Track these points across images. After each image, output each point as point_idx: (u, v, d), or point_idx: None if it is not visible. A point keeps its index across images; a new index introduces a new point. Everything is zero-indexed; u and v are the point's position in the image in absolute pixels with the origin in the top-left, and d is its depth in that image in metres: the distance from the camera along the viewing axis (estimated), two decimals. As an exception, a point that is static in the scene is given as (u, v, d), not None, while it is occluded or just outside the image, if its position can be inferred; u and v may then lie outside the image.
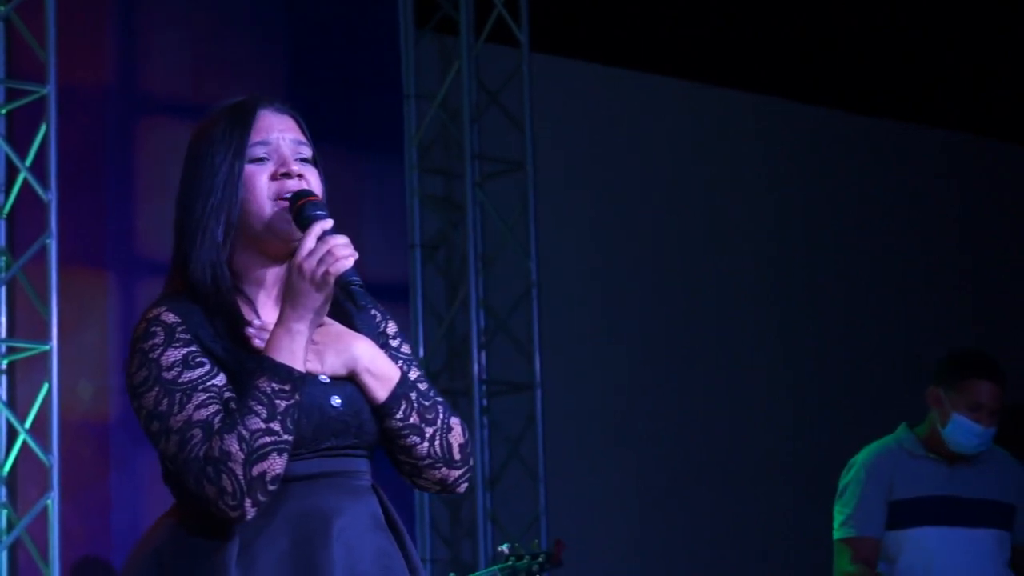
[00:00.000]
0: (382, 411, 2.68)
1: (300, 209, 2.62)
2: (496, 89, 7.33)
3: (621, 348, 7.75)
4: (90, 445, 5.97)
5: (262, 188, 2.67)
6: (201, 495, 2.52)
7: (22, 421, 5.68)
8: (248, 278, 2.71)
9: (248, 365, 2.59)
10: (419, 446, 2.70)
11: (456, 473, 2.74)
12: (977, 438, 5.10)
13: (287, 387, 2.54)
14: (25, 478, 5.78)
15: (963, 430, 5.09)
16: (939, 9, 7.94)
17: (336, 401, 2.64)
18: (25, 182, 5.75)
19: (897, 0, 7.96)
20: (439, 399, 2.75)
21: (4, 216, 5.87)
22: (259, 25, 6.59)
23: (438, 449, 2.71)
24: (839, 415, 8.16)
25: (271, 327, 2.63)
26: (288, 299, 2.59)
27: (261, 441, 2.51)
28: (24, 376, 5.82)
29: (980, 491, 5.15)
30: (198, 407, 2.55)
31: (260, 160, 2.68)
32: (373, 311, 2.80)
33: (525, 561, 5.00)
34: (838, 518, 5.17)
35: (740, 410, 8.05)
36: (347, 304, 2.71)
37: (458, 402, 7.17)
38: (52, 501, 5.57)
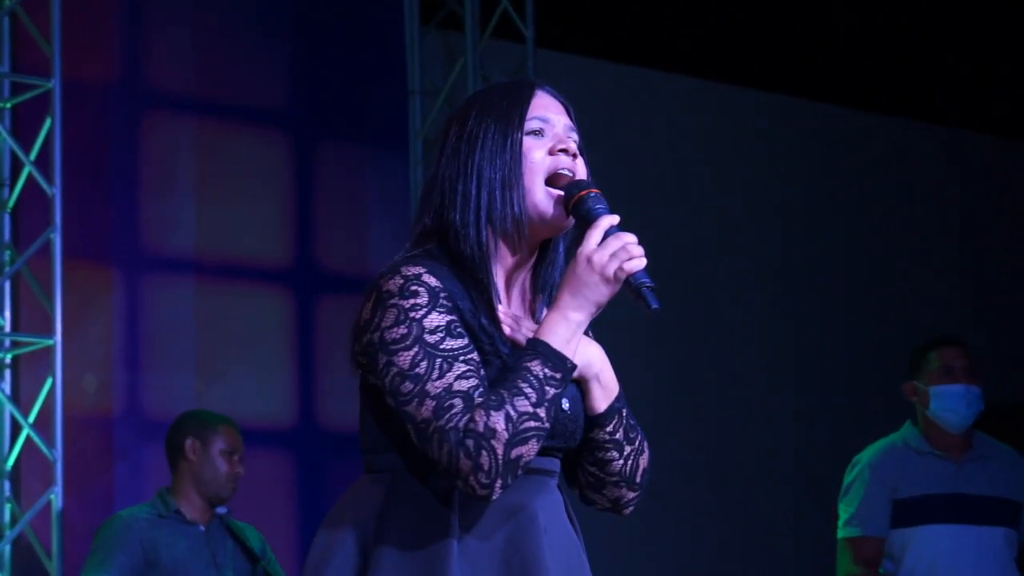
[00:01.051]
0: (596, 421, 2.65)
1: (581, 200, 2.56)
2: (501, 85, 7.32)
3: (623, 348, 7.72)
4: (94, 439, 5.98)
5: (538, 163, 2.60)
6: (451, 466, 2.43)
7: (26, 415, 5.69)
8: (500, 260, 2.62)
9: (498, 351, 2.52)
10: (615, 462, 2.70)
11: (631, 495, 2.76)
12: (961, 399, 5.08)
13: (559, 376, 2.49)
14: (29, 472, 5.79)
15: (945, 397, 5.09)
16: (940, 6, 7.93)
17: (566, 404, 2.59)
18: (30, 176, 5.76)
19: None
20: (636, 423, 2.76)
21: (9, 210, 5.88)
22: (264, 20, 6.60)
23: (628, 469, 2.73)
24: (841, 413, 8.15)
25: (516, 314, 2.59)
26: (570, 288, 2.53)
27: (527, 424, 2.44)
28: (28, 370, 5.83)
29: (986, 488, 5.14)
30: (459, 377, 2.45)
31: (536, 134, 2.62)
32: None
33: None
34: (842, 517, 5.16)
35: (742, 408, 8.05)
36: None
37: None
38: (56, 495, 5.57)
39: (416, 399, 2.46)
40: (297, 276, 6.49)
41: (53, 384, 5.63)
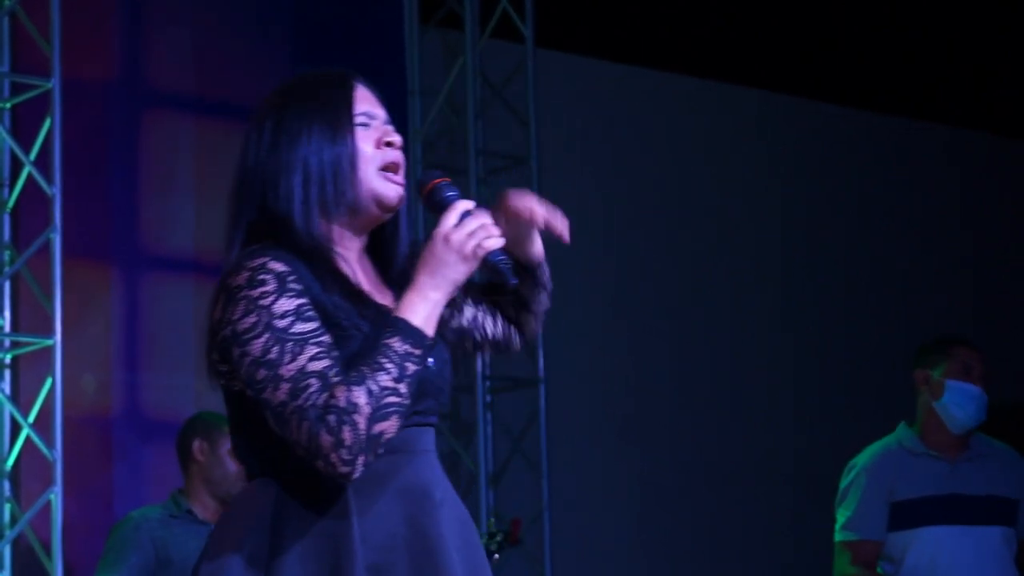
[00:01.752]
0: (533, 269, 2.91)
1: (436, 189, 2.63)
2: (500, 84, 7.33)
3: (624, 344, 7.75)
4: (93, 439, 5.98)
5: (370, 156, 2.67)
6: (312, 444, 2.44)
7: (26, 415, 5.69)
8: (339, 242, 2.69)
9: (356, 325, 2.56)
10: (538, 302, 3.00)
11: (534, 323, 3.02)
12: (974, 401, 5.09)
13: (418, 352, 2.51)
14: (28, 472, 5.79)
15: (960, 393, 5.09)
16: (942, 6, 7.93)
17: (431, 361, 2.62)
18: (29, 176, 5.76)
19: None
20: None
21: (8, 210, 5.88)
22: (263, 19, 6.60)
23: (540, 310, 3.02)
24: (841, 413, 8.15)
25: (374, 290, 2.66)
26: (428, 268, 2.55)
27: (388, 399, 2.46)
28: (28, 370, 5.83)
29: (983, 487, 5.14)
30: (312, 358, 2.48)
31: (363, 126, 2.69)
32: None
33: (483, 539, 5.03)
34: (839, 520, 5.16)
35: (743, 407, 8.05)
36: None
37: (461, 398, 7.17)
38: (55, 495, 5.57)
39: (271, 384, 2.48)
40: (297, 276, 6.48)
41: (53, 384, 5.63)
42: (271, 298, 2.52)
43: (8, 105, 5.87)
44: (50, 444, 5.59)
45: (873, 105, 8.61)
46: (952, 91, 8.55)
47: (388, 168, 2.68)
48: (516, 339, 2.95)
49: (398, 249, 2.75)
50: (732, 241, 8.16)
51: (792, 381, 8.22)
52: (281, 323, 2.50)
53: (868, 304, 8.56)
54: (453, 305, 2.79)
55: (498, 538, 5.05)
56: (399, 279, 2.70)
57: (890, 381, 8.11)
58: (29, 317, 5.84)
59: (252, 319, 2.51)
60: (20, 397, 5.81)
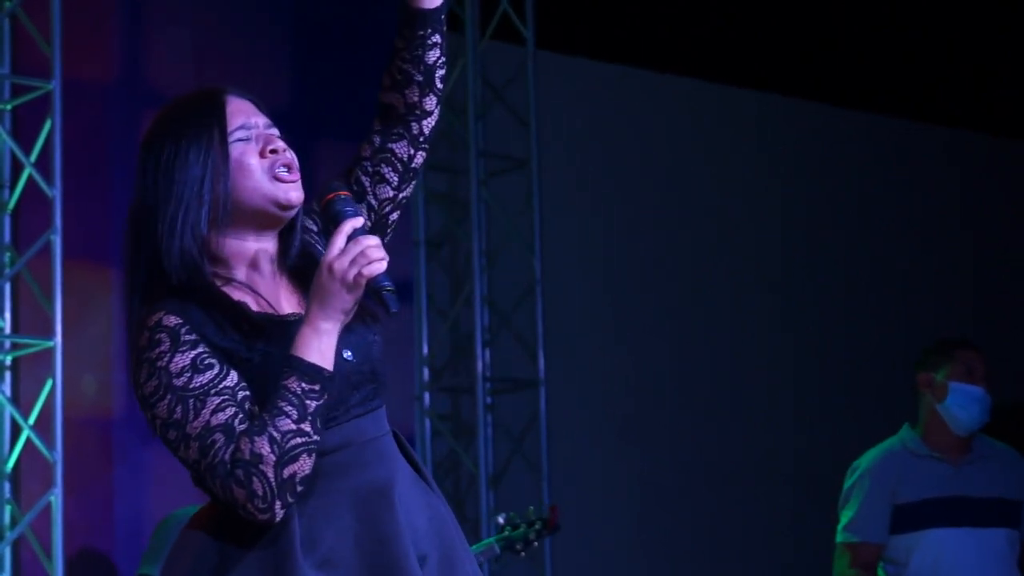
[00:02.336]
0: (431, 16, 2.80)
1: (329, 203, 2.62)
2: (501, 86, 7.33)
3: (625, 346, 7.75)
4: (94, 441, 5.98)
5: (255, 166, 2.66)
6: (229, 498, 2.49)
7: (26, 417, 5.68)
8: (240, 262, 2.69)
9: (261, 351, 2.57)
10: (430, 58, 2.82)
11: (429, 102, 2.85)
12: (978, 403, 5.09)
13: (317, 387, 2.52)
14: (29, 474, 5.78)
15: (963, 395, 5.09)
16: (941, 7, 7.93)
17: (347, 354, 2.62)
18: (30, 178, 5.75)
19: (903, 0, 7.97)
20: None
21: (9, 212, 5.88)
22: (263, 21, 6.60)
23: (435, 67, 2.83)
24: (842, 414, 8.16)
25: (277, 302, 2.65)
26: (317, 298, 2.55)
27: (293, 442, 2.49)
28: (28, 372, 5.83)
29: (986, 489, 5.14)
30: (214, 411, 2.51)
31: (243, 141, 2.68)
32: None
33: (522, 530, 5.03)
34: (841, 521, 5.16)
35: (743, 408, 8.05)
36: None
37: (462, 399, 7.17)
38: (56, 497, 5.57)
39: (182, 444, 2.53)
40: (297, 277, 6.48)
41: (53, 386, 5.63)
42: (167, 357, 2.54)
43: (8, 106, 5.87)
44: (50, 446, 5.59)
45: (872, 106, 8.61)
46: (951, 92, 8.55)
47: (276, 174, 2.67)
48: (418, 156, 2.86)
49: (292, 245, 2.74)
50: (732, 242, 8.17)
51: (792, 381, 8.22)
52: (179, 381, 2.53)
53: (868, 305, 8.56)
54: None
55: (537, 526, 5.05)
56: (296, 277, 2.70)
57: (890, 381, 8.13)
58: (29, 318, 5.83)
59: (154, 382, 2.54)
60: (20, 398, 5.81)
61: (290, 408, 2.50)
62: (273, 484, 2.48)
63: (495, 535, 5.07)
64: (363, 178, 2.80)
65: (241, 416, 2.52)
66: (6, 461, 5.77)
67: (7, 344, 5.81)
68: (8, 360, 5.83)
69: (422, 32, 2.79)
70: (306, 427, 2.50)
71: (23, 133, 5.84)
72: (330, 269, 2.53)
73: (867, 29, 8.09)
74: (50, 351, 5.65)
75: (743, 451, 7.99)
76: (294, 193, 2.67)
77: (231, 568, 2.55)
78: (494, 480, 7.12)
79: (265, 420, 2.50)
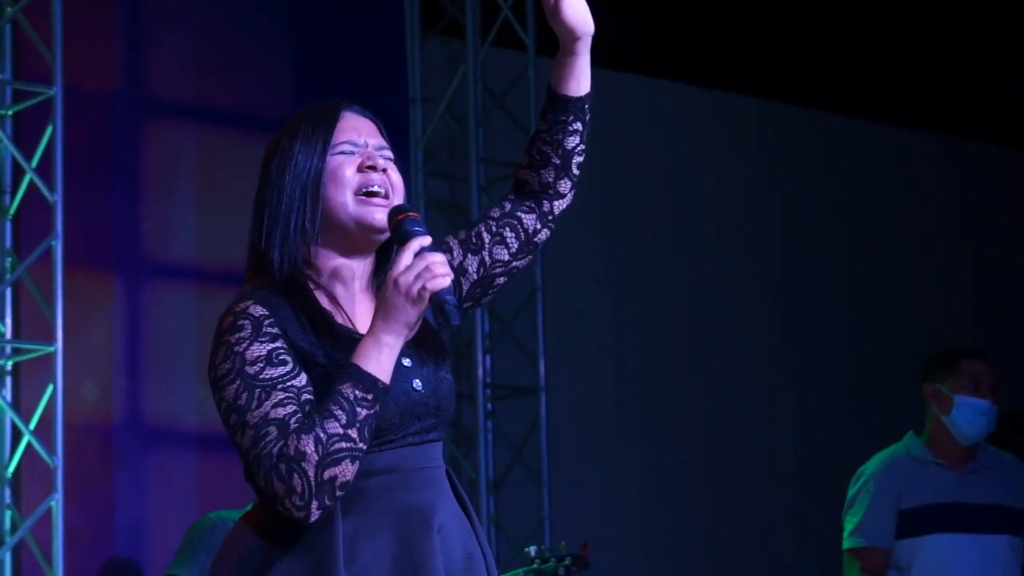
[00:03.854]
0: (577, 104, 2.95)
1: (399, 223, 2.66)
2: (502, 93, 7.33)
3: (625, 352, 7.75)
4: (94, 446, 5.98)
5: (348, 179, 2.71)
6: (269, 491, 2.54)
7: (27, 422, 5.68)
8: (329, 273, 2.74)
9: (335, 360, 2.62)
10: (571, 143, 2.92)
11: (565, 185, 2.94)
12: (983, 416, 5.09)
13: (370, 396, 2.56)
14: (29, 479, 5.78)
15: (969, 408, 5.08)
16: (940, 14, 7.93)
17: (417, 384, 2.68)
18: (31, 184, 5.75)
19: (899, 5, 7.96)
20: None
21: (10, 217, 5.88)
22: (265, 28, 6.60)
23: (575, 154, 2.93)
24: (842, 417, 8.15)
25: (356, 320, 2.70)
26: (381, 311, 2.60)
27: (337, 446, 2.54)
28: (29, 377, 5.83)
29: (990, 497, 5.14)
30: (276, 405, 2.56)
31: (346, 154, 2.74)
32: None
33: (551, 564, 5.00)
34: (847, 528, 5.16)
35: (744, 414, 8.05)
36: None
37: (462, 406, 7.17)
38: (56, 502, 5.57)
39: (240, 429, 2.58)
40: (298, 283, 6.48)
41: (54, 391, 5.63)
42: (245, 344, 2.61)
43: (10, 112, 5.87)
44: (51, 451, 5.59)
45: (872, 113, 8.61)
46: (951, 100, 8.55)
47: (365, 192, 2.71)
48: (543, 232, 2.92)
49: (386, 269, 2.77)
50: (731, 247, 8.16)
51: (791, 385, 8.22)
52: (252, 369, 2.59)
53: (868, 308, 8.56)
54: (457, 273, 2.81)
55: (567, 561, 5.01)
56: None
57: (889, 383, 8.14)
58: (30, 324, 5.83)
59: (228, 365, 2.61)
60: (21, 404, 5.81)
61: (340, 412, 2.55)
62: (312, 483, 2.52)
63: (524, 567, 5.03)
64: (484, 234, 2.85)
65: (299, 416, 2.56)
66: (7, 466, 5.76)
67: (8, 349, 5.81)
68: (9, 365, 5.83)
69: (564, 118, 2.89)
70: (353, 433, 2.55)
71: (24, 139, 5.84)
72: (395, 283, 2.58)
73: (867, 35, 8.09)
74: (51, 356, 5.65)
75: (744, 457, 7.99)
76: (379, 215, 2.72)
77: (274, 571, 2.60)
78: (494, 487, 7.12)
79: (315, 420, 2.55)
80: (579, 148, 2.90)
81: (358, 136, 2.76)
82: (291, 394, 2.58)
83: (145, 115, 6.29)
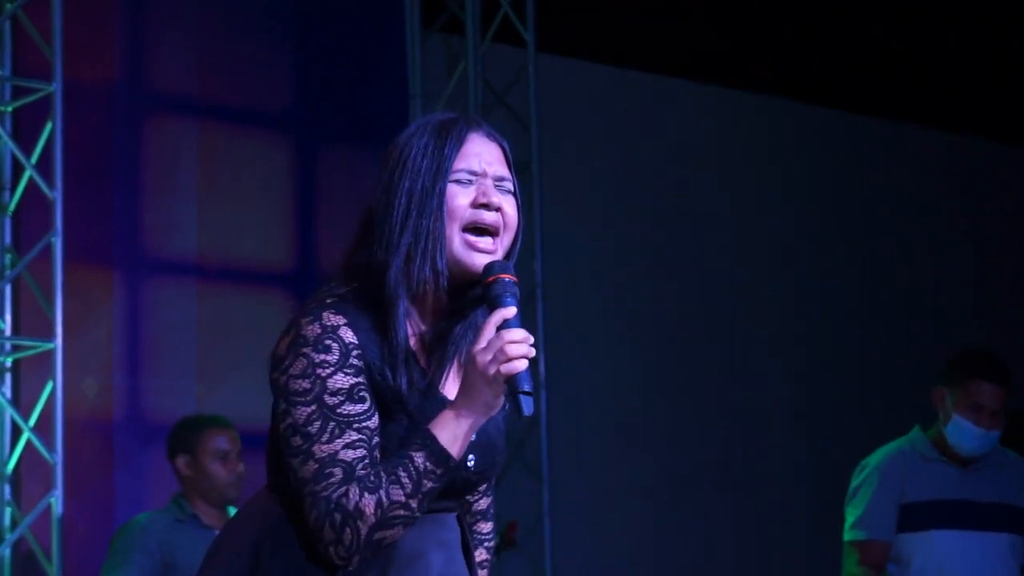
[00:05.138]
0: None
1: (490, 286, 2.56)
2: (502, 89, 7.32)
3: (626, 350, 7.74)
4: (94, 443, 5.98)
5: (459, 212, 2.60)
6: (316, 532, 2.50)
7: (26, 419, 5.68)
8: (415, 296, 2.63)
9: (396, 386, 2.56)
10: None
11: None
12: (976, 440, 5.07)
13: (439, 471, 2.52)
14: (29, 476, 5.78)
15: (961, 431, 5.07)
16: (946, 12, 7.93)
17: (471, 461, 2.65)
18: (31, 180, 5.75)
19: (907, 5, 7.95)
20: None
21: (10, 214, 5.87)
22: (266, 24, 6.59)
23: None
24: (849, 416, 8.15)
25: (420, 354, 2.62)
26: (464, 387, 2.53)
27: (396, 513, 2.50)
28: (29, 374, 5.82)
29: (993, 495, 5.13)
30: (347, 446, 2.51)
31: (462, 183, 2.62)
32: None
33: None
34: (848, 519, 5.15)
35: (746, 411, 8.05)
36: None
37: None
38: (56, 499, 5.57)
39: (302, 456, 2.52)
40: (298, 279, 6.48)
41: (54, 388, 5.63)
42: (330, 370, 2.53)
43: (9, 108, 5.87)
44: (51, 448, 5.59)
45: (880, 111, 8.61)
46: (958, 98, 8.55)
47: (473, 229, 2.61)
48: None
49: (457, 327, 2.67)
50: (736, 245, 8.16)
51: (796, 385, 8.22)
52: (332, 400, 2.52)
53: (875, 308, 8.56)
54: None
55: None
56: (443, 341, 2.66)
57: (900, 383, 8.14)
58: (30, 321, 5.83)
59: (307, 384, 2.52)
60: (21, 400, 5.81)
61: (407, 481, 2.50)
62: (362, 542, 2.50)
63: None
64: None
65: (367, 462, 2.52)
66: (6, 463, 5.76)
67: (8, 346, 5.81)
68: (9, 362, 5.83)
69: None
70: (413, 503, 2.51)
71: (24, 135, 5.84)
72: (474, 361, 2.51)
73: (872, 34, 8.09)
74: (51, 353, 5.64)
75: (745, 455, 7.99)
76: (474, 260, 2.61)
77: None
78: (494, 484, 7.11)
79: (382, 480, 2.50)
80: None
81: (479, 164, 2.63)
82: (364, 436, 2.52)
83: (145, 111, 6.29)
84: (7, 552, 5.66)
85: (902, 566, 5.12)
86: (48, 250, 5.67)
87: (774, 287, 8.26)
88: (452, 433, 2.52)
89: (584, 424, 7.55)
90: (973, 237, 8.91)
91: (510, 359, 2.48)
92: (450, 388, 2.64)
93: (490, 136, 2.68)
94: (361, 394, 2.54)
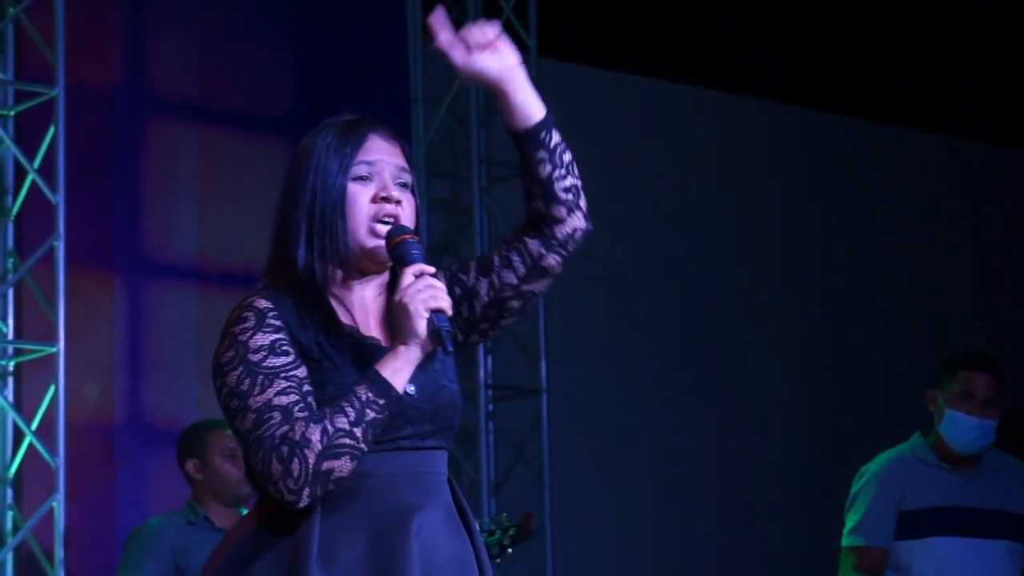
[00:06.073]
0: (526, 136, 2.89)
1: (398, 246, 2.76)
2: (504, 94, 7.32)
3: (627, 353, 7.75)
4: (96, 447, 5.98)
5: (362, 208, 2.78)
6: (264, 472, 2.62)
7: (28, 422, 5.69)
8: (337, 281, 2.80)
9: (331, 357, 2.70)
10: (544, 170, 2.91)
11: (558, 213, 2.91)
12: (973, 430, 5.05)
13: (381, 401, 2.65)
14: (31, 479, 5.79)
15: (957, 424, 5.06)
16: (947, 18, 7.94)
17: (410, 388, 2.73)
18: (33, 184, 5.76)
19: (905, 8, 7.96)
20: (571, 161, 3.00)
21: (12, 218, 5.88)
22: (268, 28, 6.60)
23: (552, 180, 2.90)
24: (849, 417, 8.15)
25: (364, 323, 2.77)
26: (396, 324, 2.71)
27: (341, 440, 2.62)
28: (31, 377, 5.83)
29: (992, 502, 5.13)
30: (279, 393, 2.65)
31: (363, 179, 2.80)
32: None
33: (496, 536, 5.03)
34: (847, 525, 5.15)
35: (746, 414, 8.05)
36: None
37: (464, 407, 7.16)
38: (58, 502, 5.57)
39: (240, 414, 2.67)
40: (300, 284, 6.48)
41: (56, 391, 5.63)
42: (249, 333, 2.70)
43: (12, 112, 5.87)
44: (53, 451, 5.59)
45: (878, 115, 8.61)
46: (956, 101, 8.55)
47: (379, 223, 2.78)
48: (549, 257, 2.92)
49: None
50: (735, 249, 8.17)
51: (796, 386, 8.22)
52: (255, 357, 2.68)
53: (872, 312, 8.56)
54: (467, 297, 2.85)
55: (511, 532, 5.05)
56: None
57: (899, 387, 8.13)
58: (32, 324, 5.84)
59: (231, 353, 2.70)
60: (23, 404, 5.81)
61: (350, 410, 2.63)
62: (310, 470, 2.60)
63: None
64: (495, 258, 2.88)
65: (302, 406, 2.64)
66: (8, 467, 5.77)
67: (10, 350, 5.81)
68: (11, 366, 5.84)
69: (525, 153, 2.89)
70: (357, 432, 2.63)
71: (26, 139, 5.85)
72: (399, 303, 2.69)
73: (872, 38, 8.09)
74: (53, 357, 5.65)
75: (745, 458, 7.99)
76: (383, 248, 2.78)
77: (253, 564, 2.68)
78: (495, 488, 7.12)
79: (325, 413, 2.63)
80: (555, 174, 2.90)
81: (379, 161, 2.82)
82: (293, 384, 2.66)
83: (146, 115, 6.30)
84: (9, 556, 5.67)
85: (901, 573, 5.11)
86: (50, 254, 5.68)
87: (774, 289, 8.26)
88: (392, 367, 2.67)
89: (584, 427, 7.55)
90: (973, 239, 8.91)
91: (435, 297, 2.68)
92: (373, 332, 2.79)
93: (390, 135, 2.86)
94: (283, 348, 2.69)
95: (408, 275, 2.70)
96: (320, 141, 2.82)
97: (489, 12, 7.21)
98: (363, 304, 2.81)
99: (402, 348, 2.68)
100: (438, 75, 7.29)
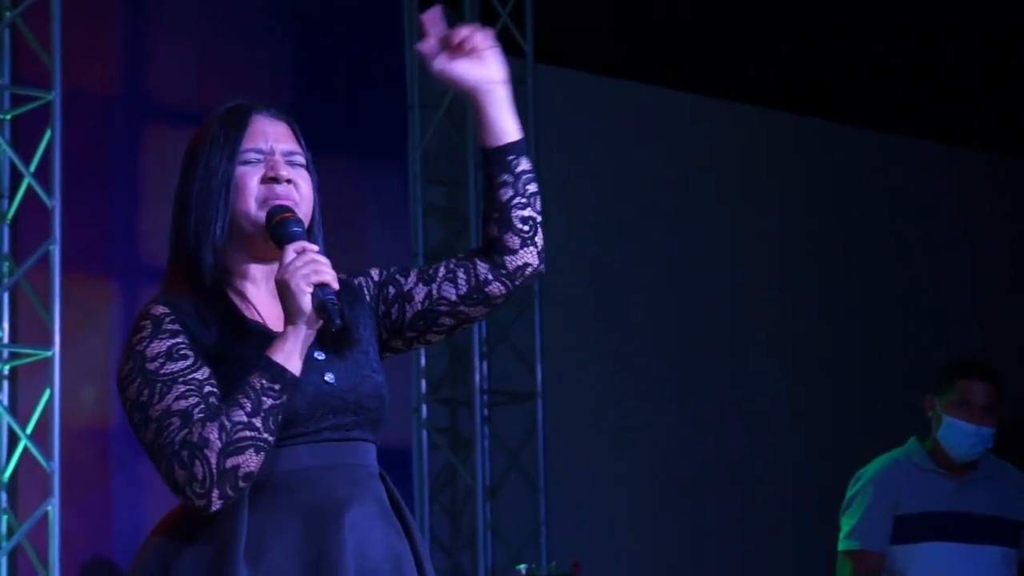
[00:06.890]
0: (493, 157, 2.82)
1: (276, 226, 2.70)
2: (500, 99, 7.31)
3: (622, 358, 7.75)
4: (91, 451, 5.98)
5: (251, 190, 2.73)
6: (171, 480, 2.57)
7: (24, 427, 5.68)
8: (240, 275, 2.76)
9: (240, 354, 2.64)
10: (503, 195, 2.81)
11: (510, 241, 2.80)
12: (970, 437, 5.06)
13: (276, 387, 2.58)
14: (26, 484, 5.78)
15: (954, 430, 5.07)
16: (946, 27, 7.94)
17: (329, 377, 2.68)
18: (29, 188, 5.76)
19: (904, 16, 7.96)
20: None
21: (8, 222, 5.88)
22: (265, 33, 6.60)
23: (509, 208, 2.80)
24: (847, 417, 8.15)
25: (268, 318, 2.71)
26: (282, 305, 2.63)
27: (241, 434, 2.55)
28: (26, 382, 5.83)
29: (988, 507, 5.13)
30: (177, 398, 2.58)
31: (250, 163, 2.75)
32: (359, 283, 2.85)
33: None
34: (843, 529, 5.16)
35: (743, 419, 8.05)
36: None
37: (459, 412, 7.17)
38: (53, 507, 5.57)
39: (143, 425, 2.61)
40: (296, 289, 6.48)
41: (51, 396, 5.63)
42: (145, 343, 2.64)
43: (8, 116, 5.87)
44: (48, 456, 5.59)
45: (876, 123, 8.62)
46: (956, 109, 8.56)
47: (267, 204, 2.73)
48: (494, 285, 2.79)
49: None
50: (732, 255, 8.17)
51: (794, 386, 8.22)
52: (152, 366, 2.62)
53: (870, 317, 8.56)
54: (400, 299, 2.80)
55: None
56: None
57: (897, 390, 8.14)
58: (28, 328, 5.83)
59: (130, 365, 2.65)
60: (18, 408, 5.81)
61: (246, 401, 2.56)
62: (214, 471, 2.54)
63: None
64: (440, 269, 2.81)
65: (202, 407, 2.58)
66: (3, 471, 5.76)
67: (5, 354, 5.81)
68: (6, 370, 5.83)
69: (489, 171, 2.83)
70: (257, 422, 2.56)
71: (23, 143, 5.85)
72: (282, 276, 2.62)
73: (872, 46, 8.09)
74: (48, 361, 5.65)
75: (742, 463, 7.99)
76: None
77: (177, 562, 2.62)
78: (491, 492, 7.11)
79: (220, 409, 2.57)
80: (515, 201, 2.79)
81: (265, 142, 2.76)
82: (193, 387, 2.60)
83: (144, 119, 6.29)
84: (4, 560, 5.66)
85: (896, 577, 5.13)
86: (46, 258, 5.67)
87: (772, 289, 8.26)
88: (282, 350, 2.60)
89: (580, 432, 7.54)
90: (971, 239, 8.92)
91: (317, 272, 2.60)
92: (279, 326, 2.71)
93: (276, 115, 2.81)
94: (182, 352, 2.62)
95: (289, 252, 2.63)
96: (205, 133, 2.78)
97: (485, 18, 7.21)
98: (270, 298, 2.74)
99: (290, 328, 2.60)
100: (435, 80, 7.27)
